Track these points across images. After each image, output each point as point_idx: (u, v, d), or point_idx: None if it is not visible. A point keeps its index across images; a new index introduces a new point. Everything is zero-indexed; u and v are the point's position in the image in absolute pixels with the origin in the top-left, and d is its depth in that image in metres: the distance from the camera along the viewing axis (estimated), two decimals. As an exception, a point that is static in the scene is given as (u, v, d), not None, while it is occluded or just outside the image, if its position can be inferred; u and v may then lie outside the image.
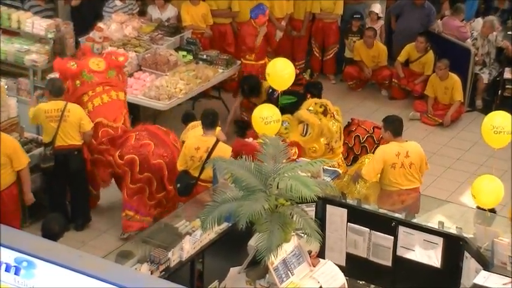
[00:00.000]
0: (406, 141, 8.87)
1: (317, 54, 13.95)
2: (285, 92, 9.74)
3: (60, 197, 9.59)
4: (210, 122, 9.04)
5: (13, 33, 11.50)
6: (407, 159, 8.70)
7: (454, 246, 7.26)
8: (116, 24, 12.11)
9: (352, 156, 11.01)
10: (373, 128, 10.93)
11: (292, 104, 10.56)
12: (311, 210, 7.44)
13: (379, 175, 8.74)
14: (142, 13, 13.15)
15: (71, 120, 9.30)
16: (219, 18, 13.18)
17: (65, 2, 12.81)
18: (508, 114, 7.92)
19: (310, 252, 6.65)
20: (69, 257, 4.75)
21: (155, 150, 9.38)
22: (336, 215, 7.75)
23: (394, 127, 8.79)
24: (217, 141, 8.98)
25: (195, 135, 9.22)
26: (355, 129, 11.11)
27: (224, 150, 8.89)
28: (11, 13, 11.44)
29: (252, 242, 6.38)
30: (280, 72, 8.92)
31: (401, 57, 13.32)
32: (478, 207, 7.95)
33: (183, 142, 9.32)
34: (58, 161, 9.31)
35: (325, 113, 9.93)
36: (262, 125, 8.66)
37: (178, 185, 9.09)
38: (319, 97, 11.06)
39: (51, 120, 9.26)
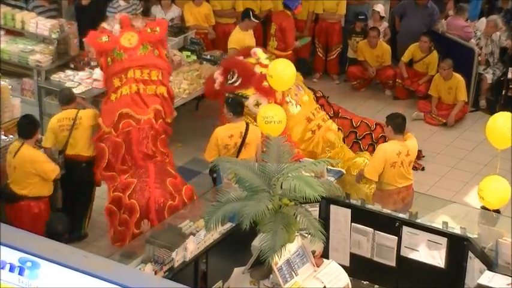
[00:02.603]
0: (406, 139, 8.83)
1: (320, 55, 13.95)
2: None
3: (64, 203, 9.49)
4: (239, 111, 9.20)
5: (17, 33, 11.52)
6: (408, 158, 8.73)
7: (458, 247, 7.26)
8: (119, 25, 12.10)
9: None
10: (375, 124, 10.98)
11: None
12: (315, 210, 7.45)
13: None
14: (146, 13, 13.16)
15: (84, 125, 9.16)
16: (223, 18, 13.20)
17: (68, 2, 12.82)
18: None
19: (314, 253, 6.65)
20: (73, 257, 4.75)
21: (134, 189, 8.76)
22: (339, 215, 7.75)
23: (396, 123, 8.77)
24: (248, 124, 9.15)
25: (222, 127, 9.30)
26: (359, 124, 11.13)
27: (256, 130, 9.09)
28: (15, 13, 11.45)
29: (256, 242, 6.39)
30: (281, 73, 8.96)
31: (405, 57, 13.32)
32: (483, 207, 7.94)
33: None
34: (66, 169, 9.22)
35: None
36: (263, 124, 8.70)
37: (215, 175, 9.13)
38: None
39: (63, 130, 9.15)
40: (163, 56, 9.36)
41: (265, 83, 9.61)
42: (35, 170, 8.63)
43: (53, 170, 8.77)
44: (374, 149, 10.71)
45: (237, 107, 9.25)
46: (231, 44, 11.90)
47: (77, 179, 9.27)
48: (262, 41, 12.89)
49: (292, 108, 9.98)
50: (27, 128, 8.75)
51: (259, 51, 9.73)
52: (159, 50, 9.30)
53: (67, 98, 9.38)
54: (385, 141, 10.62)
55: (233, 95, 9.59)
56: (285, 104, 9.84)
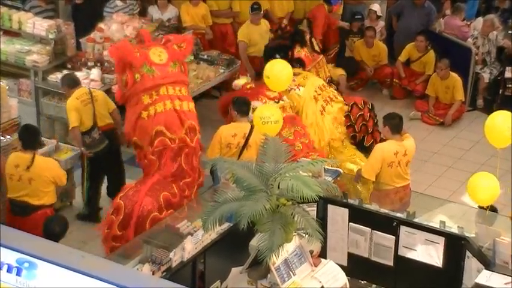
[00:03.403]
0: (403, 139, 8.84)
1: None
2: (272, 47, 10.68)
3: (101, 179, 9.95)
4: (245, 110, 9.27)
5: (14, 34, 11.51)
6: (405, 158, 8.74)
7: (456, 246, 7.26)
8: (116, 25, 12.09)
9: None
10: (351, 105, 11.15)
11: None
12: (312, 210, 7.44)
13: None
14: (143, 13, 13.15)
15: (100, 98, 9.67)
16: (220, 19, 13.21)
17: (65, 2, 12.81)
18: None
19: (311, 252, 6.65)
20: (71, 258, 4.76)
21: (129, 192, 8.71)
22: (337, 215, 7.75)
23: (393, 124, 8.79)
24: (253, 126, 9.12)
25: (227, 125, 9.33)
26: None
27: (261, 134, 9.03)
28: (12, 14, 11.44)
29: (254, 242, 6.39)
30: (278, 74, 8.98)
31: (402, 57, 13.33)
32: (480, 207, 7.94)
33: None
34: (108, 139, 9.69)
35: None
36: (260, 125, 8.72)
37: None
38: (303, 43, 11.24)
39: (86, 104, 9.53)
40: (186, 72, 9.42)
41: (247, 90, 9.81)
42: (52, 177, 8.66)
43: (65, 174, 8.89)
44: (354, 130, 10.90)
45: (242, 106, 9.29)
46: (239, 37, 12.36)
47: (116, 145, 9.84)
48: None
49: (297, 91, 10.13)
50: (32, 138, 8.72)
51: (236, 81, 10.50)
52: (184, 65, 9.31)
53: (74, 81, 9.83)
54: (364, 120, 10.90)
55: None
56: (288, 93, 10.08)
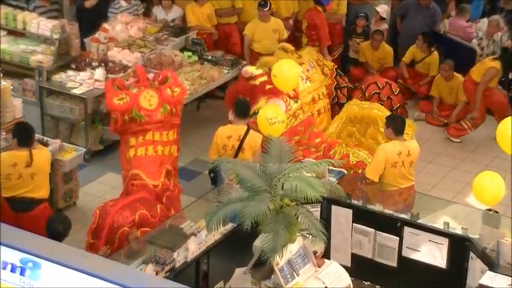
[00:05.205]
0: (406, 139, 8.86)
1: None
2: None
3: None
4: (242, 112, 9.16)
5: (18, 33, 11.52)
6: (408, 158, 8.74)
7: (460, 247, 7.26)
8: (121, 25, 12.12)
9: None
10: (385, 83, 11.51)
11: None
12: (316, 210, 7.45)
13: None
14: (147, 14, 13.17)
15: None
16: (223, 18, 13.20)
17: (70, 2, 12.83)
18: None
19: (315, 253, 6.65)
20: (74, 258, 4.76)
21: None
22: (341, 216, 7.75)
23: (396, 125, 8.81)
24: (248, 129, 9.09)
25: (224, 126, 9.30)
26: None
27: (256, 137, 8.99)
28: (16, 14, 11.46)
29: (257, 243, 6.39)
30: (286, 73, 8.99)
31: (406, 58, 13.32)
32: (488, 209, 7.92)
33: None
34: None
35: None
36: (267, 126, 8.70)
37: (212, 175, 9.22)
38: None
39: None
40: (179, 113, 9.15)
41: (268, 86, 9.70)
42: (49, 165, 8.68)
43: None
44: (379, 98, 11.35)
45: (239, 109, 9.24)
46: (244, 31, 12.59)
47: None
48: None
49: (301, 83, 10.17)
50: (27, 135, 8.61)
51: (248, 68, 10.20)
52: (177, 108, 9.09)
53: None
54: (391, 104, 11.31)
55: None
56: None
